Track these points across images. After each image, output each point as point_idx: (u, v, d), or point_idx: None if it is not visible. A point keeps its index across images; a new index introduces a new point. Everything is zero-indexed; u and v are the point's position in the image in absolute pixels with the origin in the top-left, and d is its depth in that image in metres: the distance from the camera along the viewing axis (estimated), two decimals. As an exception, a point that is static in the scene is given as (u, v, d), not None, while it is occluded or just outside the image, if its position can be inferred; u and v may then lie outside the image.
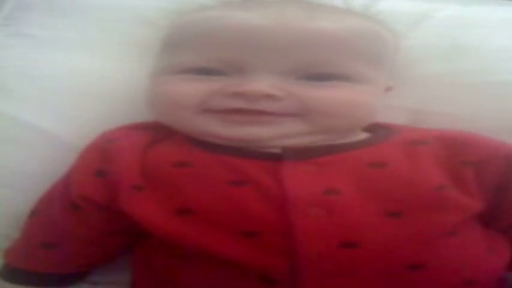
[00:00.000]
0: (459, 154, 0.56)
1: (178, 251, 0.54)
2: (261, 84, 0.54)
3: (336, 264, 0.50)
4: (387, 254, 0.51)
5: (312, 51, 0.54)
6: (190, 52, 0.57)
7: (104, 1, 0.76)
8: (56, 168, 0.63)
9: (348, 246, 0.50)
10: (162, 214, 0.53)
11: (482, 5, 0.74)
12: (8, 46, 0.73)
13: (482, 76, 0.68)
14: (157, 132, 0.60)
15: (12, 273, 0.59)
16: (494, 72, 0.68)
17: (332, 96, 0.55)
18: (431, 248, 0.52)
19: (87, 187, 0.57)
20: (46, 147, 0.67)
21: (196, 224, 0.53)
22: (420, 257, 0.51)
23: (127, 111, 0.68)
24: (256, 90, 0.53)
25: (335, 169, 0.54)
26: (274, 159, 0.54)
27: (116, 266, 0.63)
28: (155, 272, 0.57)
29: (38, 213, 0.61)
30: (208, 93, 0.55)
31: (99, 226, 0.58)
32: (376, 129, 0.61)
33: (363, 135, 0.60)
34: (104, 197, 0.56)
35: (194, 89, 0.55)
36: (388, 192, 0.53)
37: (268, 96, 0.53)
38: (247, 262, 0.51)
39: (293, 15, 0.55)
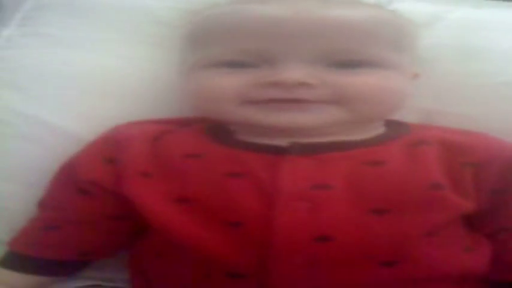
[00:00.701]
0: (459, 155, 0.56)
1: (153, 246, 0.56)
2: (295, 72, 0.54)
3: (308, 257, 0.51)
4: (360, 249, 0.51)
5: (333, 38, 0.55)
6: (218, 46, 0.58)
7: (119, 1, 0.76)
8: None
9: (322, 240, 0.51)
10: (162, 202, 0.55)
11: (493, 7, 0.75)
12: (24, 45, 0.74)
13: (493, 77, 0.68)
14: (168, 125, 0.62)
15: (11, 258, 0.60)
16: (505, 74, 0.68)
17: (364, 82, 0.56)
18: (407, 246, 0.52)
19: (96, 173, 0.58)
20: (62, 146, 0.67)
21: (188, 214, 0.54)
22: (394, 254, 0.52)
23: (143, 110, 0.69)
24: (291, 79, 0.54)
25: (333, 165, 0.55)
26: (279, 153, 0.55)
27: (116, 262, 0.65)
28: (144, 270, 0.59)
29: (44, 201, 0.62)
30: (244, 85, 0.56)
31: (103, 210, 0.59)
32: (391, 126, 0.61)
33: (379, 130, 0.61)
34: (112, 182, 0.58)
35: (230, 82, 0.56)
36: (378, 190, 0.53)
37: (303, 84, 0.54)
38: (218, 255, 0.52)
39: (309, 6, 0.56)
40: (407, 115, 0.66)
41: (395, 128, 0.61)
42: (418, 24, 0.68)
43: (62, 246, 0.60)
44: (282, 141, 0.56)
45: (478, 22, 0.73)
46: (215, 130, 0.60)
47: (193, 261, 0.54)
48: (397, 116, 0.63)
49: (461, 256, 0.55)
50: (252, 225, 0.52)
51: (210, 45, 0.58)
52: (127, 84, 0.70)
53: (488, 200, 0.56)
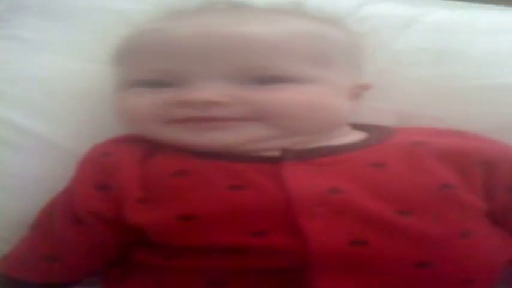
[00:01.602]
0: (465, 155, 0.56)
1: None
2: (205, 91, 0.54)
3: (346, 262, 0.50)
4: (393, 251, 0.51)
5: (243, 56, 0.55)
6: (136, 65, 0.59)
7: (94, 4, 0.76)
8: (48, 171, 0.64)
9: (358, 244, 0.51)
10: (164, 222, 0.53)
11: (468, 10, 0.75)
12: (-1, 49, 0.73)
13: (469, 80, 0.68)
14: (151, 143, 0.60)
15: (10, 283, 0.59)
16: (481, 77, 0.69)
17: (279, 97, 0.55)
18: (440, 247, 0.52)
19: (92, 202, 0.56)
20: (38, 150, 0.67)
21: (201, 227, 0.53)
22: (427, 255, 0.52)
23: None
24: (198, 98, 0.54)
25: (334, 169, 0.54)
26: (273, 161, 0.55)
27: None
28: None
29: (39, 226, 0.61)
30: (160, 105, 0.56)
31: (103, 239, 0.57)
32: (371, 130, 0.61)
33: (358, 136, 0.60)
34: (109, 210, 0.56)
35: (146, 102, 0.57)
36: (392, 191, 0.53)
37: (213, 103, 0.54)
38: (250, 265, 0.51)
39: (219, 22, 0.56)
40: (383, 119, 0.66)
41: (377, 131, 0.61)
42: (393, 27, 0.68)
43: (62, 274, 0.59)
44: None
45: (453, 25, 0.73)
46: None
47: (212, 276, 0.53)
48: (373, 119, 0.64)
49: (494, 257, 0.55)
50: (278, 234, 0.51)
51: (131, 64, 0.59)
52: (100, 87, 0.69)
53: (506, 198, 0.57)
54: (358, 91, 0.62)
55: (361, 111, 0.63)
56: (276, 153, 0.56)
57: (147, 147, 0.59)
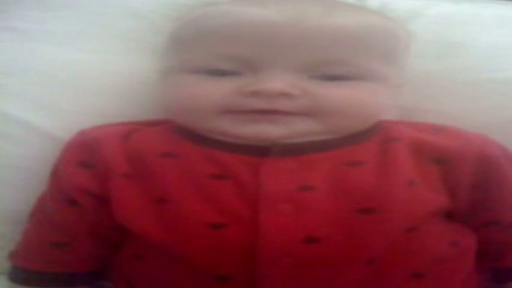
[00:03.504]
0: (428, 152, 0.56)
1: (135, 249, 0.56)
2: (277, 82, 0.53)
3: (296, 259, 0.51)
4: (346, 249, 0.51)
5: (326, 48, 0.54)
6: (202, 49, 0.56)
7: (94, -6, 0.75)
8: (46, 163, 0.62)
9: (310, 242, 0.51)
10: (141, 204, 0.54)
11: (473, 2, 0.75)
12: (-4, 40, 0.72)
13: (473, 74, 0.68)
14: (134, 125, 0.61)
15: (24, 275, 0.59)
16: (485, 70, 0.68)
17: (346, 96, 0.55)
18: (390, 243, 0.52)
19: (79, 179, 0.57)
20: (35, 142, 0.66)
21: (167, 217, 0.53)
22: (378, 252, 0.52)
23: (118, 105, 0.68)
24: (272, 88, 0.53)
25: (315, 166, 0.54)
26: (260, 154, 0.54)
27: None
28: (125, 273, 0.58)
29: (37, 215, 0.60)
30: (226, 95, 0.54)
31: (98, 219, 0.57)
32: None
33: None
34: (98, 186, 0.56)
35: (212, 92, 0.55)
36: (361, 190, 0.53)
37: (284, 95, 0.53)
38: (203, 259, 0.52)
39: (309, 10, 0.54)
40: (388, 113, 0.64)
41: (369, 129, 0.60)
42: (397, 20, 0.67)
43: (74, 261, 0.59)
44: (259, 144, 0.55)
45: (457, 18, 0.72)
46: (184, 129, 0.59)
47: (177, 263, 0.54)
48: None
49: (446, 251, 0.55)
50: (237, 228, 0.52)
51: (195, 49, 0.57)
52: (100, 79, 0.69)
53: (470, 196, 0.56)
54: (395, 89, 0.62)
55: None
56: (266, 145, 0.55)
57: (131, 127, 0.60)
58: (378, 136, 0.58)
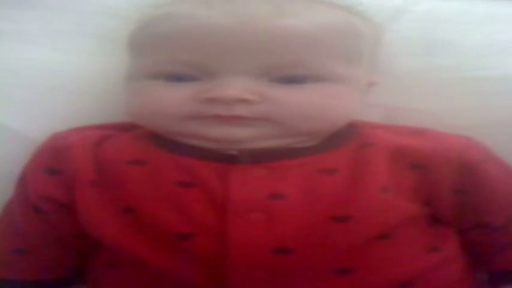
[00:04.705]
0: (405, 158, 0.54)
1: (107, 258, 0.55)
2: (232, 88, 0.51)
3: (268, 270, 0.50)
4: (318, 259, 0.50)
5: (281, 52, 0.52)
6: (157, 55, 0.55)
7: (71, -7, 0.73)
8: (19, 166, 0.60)
9: (281, 252, 0.50)
10: (108, 213, 0.53)
11: (460, 0, 0.72)
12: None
13: (459, 72, 0.66)
14: (109, 130, 0.59)
15: None
16: (471, 68, 0.66)
17: (306, 99, 0.53)
18: (361, 251, 0.51)
19: (44, 187, 0.55)
20: (8, 145, 0.65)
21: (134, 226, 0.52)
22: (348, 261, 0.51)
23: (95, 106, 0.67)
24: (228, 95, 0.51)
25: (287, 174, 0.53)
26: (229, 161, 0.53)
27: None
28: (98, 282, 0.57)
29: (2, 220, 0.59)
30: (184, 101, 0.53)
31: (64, 228, 0.56)
32: (339, 130, 0.58)
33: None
34: (63, 194, 0.55)
35: (169, 98, 0.54)
36: (335, 198, 0.52)
37: (242, 101, 0.52)
38: (173, 269, 0.51)
39: (259, 11, 0.52)
40: (372, 112, 0.64)
41: (344, 130, 0.58)
42: (383, 17, 0.65)
43: (38, 268, 0.58)
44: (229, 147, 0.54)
45: (445, 15, 0.70)
46: (157, 135, 0.57)
47: (146, 273, 0.52)
48: (361, 113, 0.60)
49: (423, 257, 0.54)
50: (205, 238, 0.50)
51: (150, 54, 0.56)
52: (76, 79, 0.67)
53: (453, 200, 0.55)
54: (367, 88, 0.60)
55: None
56: (234, 152, 0.54)
57: (105, 132, 0.58)
58: (352, 142, 0.56)
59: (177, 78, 0.54)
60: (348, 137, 0.57)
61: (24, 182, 0.58)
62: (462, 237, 0.58)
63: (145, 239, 0.51)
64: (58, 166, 0.56)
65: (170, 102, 0.54)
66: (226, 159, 0.53)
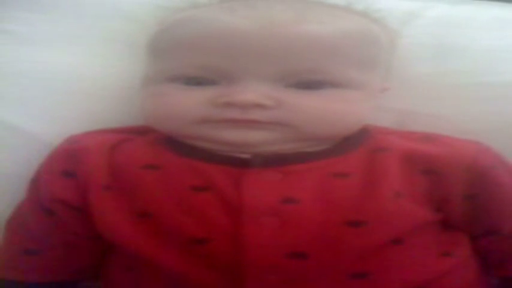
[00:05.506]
0: (418, 163, 0.55)
1: (124, 260, 0.55)
2: (250, 93, 0.52)
3: (282, 275, 0.50)
4: (333, 263, 0.51)
5: (300, 58, 0.53)
6: (178, 59, 0.55)
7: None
8: (33, 169, 0.60)
9: (296, 257, 0.50)
10: (124, 217, 0.53)
11: (471, 5, 0.73)
12: (-16, 43, 0.71)
13: (470, 77, 0.66)
14: (125, 134, 0.60)
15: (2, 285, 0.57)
16: (482, 73, 0.67)
17: (321, 105, 0.54)
18: (375, 256, 0.51)
19: (58, 189, 0.56)
20: (24, 148, 0.65)
21: (150, 230, 0.52)
22: (364, 265, 0.51)
23: (110, 110, 0.67)
24: (245, 100, 0.52)
25: (299, 178, 0.53)
26: (243, 165, 0.53)
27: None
28: (116, 284, 0.57)
29: (13, 222, 0.60)
30: (201, 105, 0.54)
31: (76, 230, 0.57)
32: (351, 135, 0.58)
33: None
34: (77, 198, 0.55)
35: (187, 102, 0.54)
36: (349, 202, 0.52)
37: (258, 106, 0.52)
38: (188, 274, 0.51)
39: (281, 17, 0.53)
40: (381, 116, 0.64)
41: (356, 134, 0.58)
42: (394, 22, 0.66)
43: (45, 270, 0.58)
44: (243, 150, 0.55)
45: (455, 20, 0.70)
46: (171, 139, 0.58)
47: (162, 277, 0.53)
48: (372, 117, 0.61)
49: (436, 262, 0.54)
50: (219, 243, 0.51)
51: (170, 58, 0.56)
52: (92, 82, 0.67)
53: (465, 205, 0.55)
54: (379, 93, 0.60)
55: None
56: (247, 156, 0.54)
57: (120, 137, 0.59)
58: (365, 146, 0.57)
59: (195, 82, 0.54)
60: (360, 141, 0.57)
61: (37, 183, 0.58)
62: (474, 243, 0.58)
63: (160, 243, 0.52)
64: (72, 169, 0.56)
65: (187, 105, 0.54)
66: (239, 163, 0.54)
